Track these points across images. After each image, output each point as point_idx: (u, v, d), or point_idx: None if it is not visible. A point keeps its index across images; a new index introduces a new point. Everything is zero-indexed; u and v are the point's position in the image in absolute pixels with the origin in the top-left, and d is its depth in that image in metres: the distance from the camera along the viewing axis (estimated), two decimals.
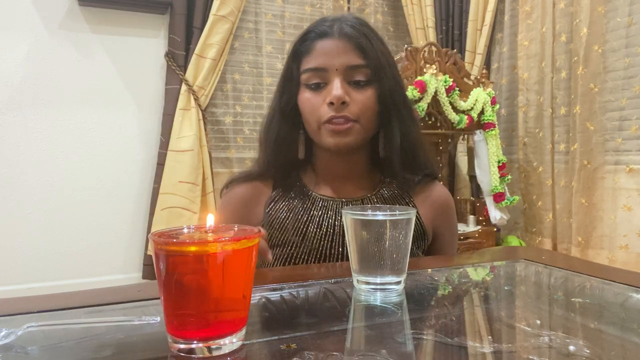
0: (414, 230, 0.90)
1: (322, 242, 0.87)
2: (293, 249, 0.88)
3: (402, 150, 0.91)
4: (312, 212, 0.90)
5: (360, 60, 0.86)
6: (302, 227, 0.88)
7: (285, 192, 0.93)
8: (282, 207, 0.91)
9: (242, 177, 0.97)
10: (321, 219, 0.89)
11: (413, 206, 0.94)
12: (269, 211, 0.91)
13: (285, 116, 0.91)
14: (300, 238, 0.88)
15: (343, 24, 0.88)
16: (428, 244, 0.96)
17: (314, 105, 0.87)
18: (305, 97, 0.88)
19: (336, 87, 0.84)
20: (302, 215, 0.89)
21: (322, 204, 0.91)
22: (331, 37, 0.87)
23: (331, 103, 0.84)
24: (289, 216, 0.89)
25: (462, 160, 2.83)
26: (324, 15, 2.55)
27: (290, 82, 0.90)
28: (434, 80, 2.17)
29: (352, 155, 0.93)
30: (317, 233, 0.88)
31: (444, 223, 0.98)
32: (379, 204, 0.91)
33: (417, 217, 0.93)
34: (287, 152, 0.93)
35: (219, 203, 0.99)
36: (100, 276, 2.08)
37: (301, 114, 0.90)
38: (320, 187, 0.94)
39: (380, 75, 0.87)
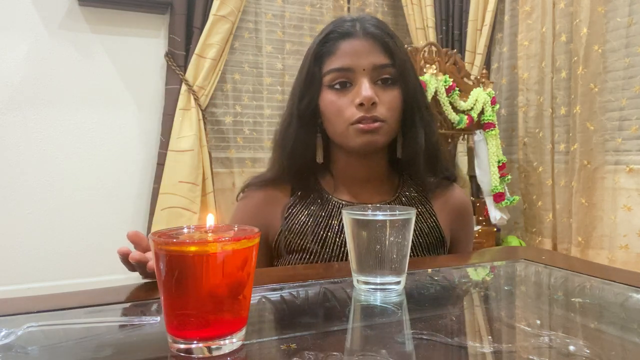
0: (433, 238, 0.90)
1: (342, 250, 0.86)
2: (313, 256, 0.86)
3: (425, 152, 0.90)
4: (331, 218, 0.88)
5: (386, 60, 0.85)
6: (321, 233, 0.87)
7: (304, 197, 0.91)
8: (301, 212, 0.89)
9: (258, 182, 0.95)
10: (340, 225, 0.87)
11: (432, 211, 0.92)
12: (287, 216, 0.90)
13: (304, 120, 0.89)
14: (320, 245, 0.86)
15: (366, 24, 0.86)
16: (446, 250, 0.94)
17: (340, 107, 0.85)
18: (330, 99, 0.86)
19: (365, 88, 0.82)
20: (321, 221, 0.88)
21: (341, 209, 0.89)
22: (356, 36, 0.85)
23: (361, 104, 0.82)
24: (308, 222, 0.88)
25: (462, 160, 2.82)
26: (324, 15, 2.59)
27: (311, 85, 0.88)
28: (434, 80, 2.17)
29: (372, 158, 0.91)
30: (337, 240, 0.86)
31: (461, 228, 0.97)
32: None
33: (435, 224, 0.92)
34: (305, 157, 0.91)
35: (235, 207, 0.97)
36: (100, 276, 2.08)
37: (323, 116, 0.88)
38: (339, 192, 0.92)
39: (405, 75, 0.86)
